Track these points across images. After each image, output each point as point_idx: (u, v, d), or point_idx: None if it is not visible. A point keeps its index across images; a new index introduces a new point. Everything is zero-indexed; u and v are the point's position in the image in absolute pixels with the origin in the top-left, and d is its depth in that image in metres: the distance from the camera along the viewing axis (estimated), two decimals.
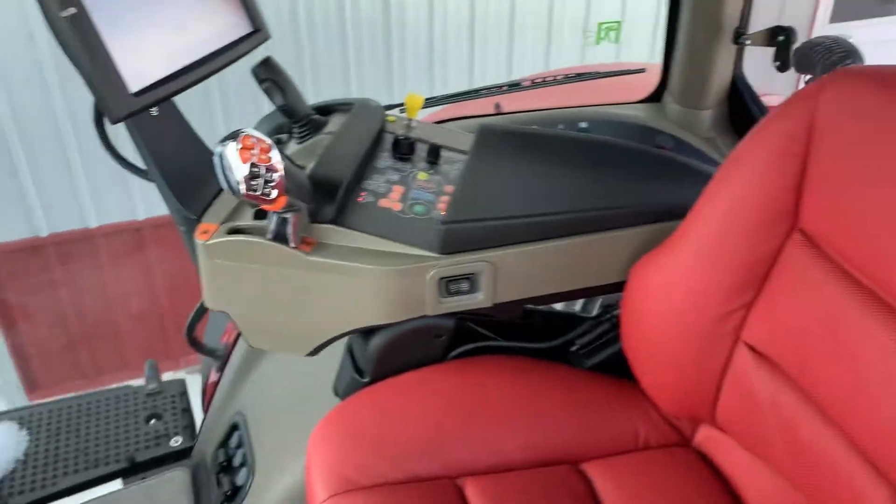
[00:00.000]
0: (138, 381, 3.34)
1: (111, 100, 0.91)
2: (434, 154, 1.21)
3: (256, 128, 1.34)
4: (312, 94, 3.17)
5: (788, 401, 0.95)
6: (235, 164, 0.89)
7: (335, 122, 1.24)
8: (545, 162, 1.18)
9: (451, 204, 1.11)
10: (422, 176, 1.17)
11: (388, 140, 1.23)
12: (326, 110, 1.29)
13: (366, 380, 1.19)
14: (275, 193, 0.91)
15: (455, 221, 1.07)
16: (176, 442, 1.75)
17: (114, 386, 2.04)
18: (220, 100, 3.10)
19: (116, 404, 1.90)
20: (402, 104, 1.72)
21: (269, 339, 1.16)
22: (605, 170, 1.18)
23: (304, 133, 1.22)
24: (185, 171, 1.09)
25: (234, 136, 0.90)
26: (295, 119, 1.21)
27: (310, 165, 1.13)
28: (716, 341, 1.02)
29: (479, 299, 1.11)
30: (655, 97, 1.82)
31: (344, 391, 1.26)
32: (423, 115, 1.78)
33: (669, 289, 1.05)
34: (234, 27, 1.11)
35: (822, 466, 0.91)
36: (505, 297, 1.12)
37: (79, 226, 3.15)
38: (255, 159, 0.89)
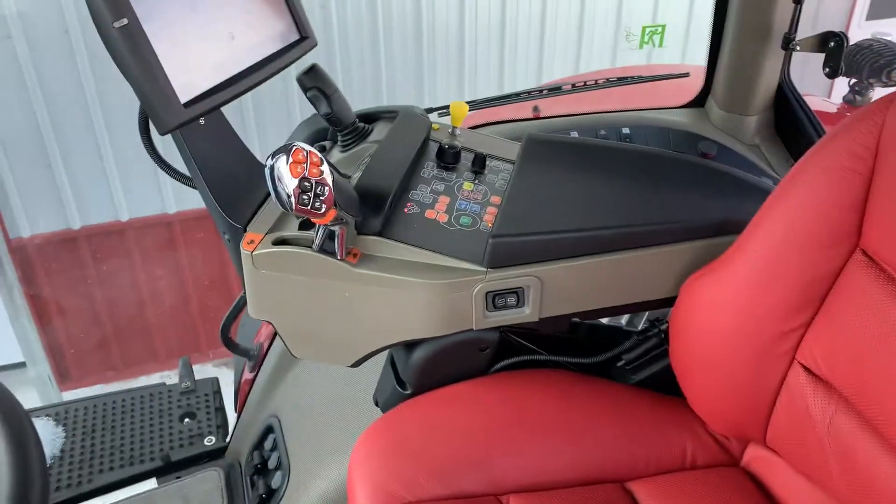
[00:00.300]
0: (169, 374, 3.37)
1: (162, 111, 0.90)
2: (479, 163, 1.19)
3: (296, 132, 1.33)
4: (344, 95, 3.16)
5: (846, 425, 0.92)
6: (287, 178, 0.88)
7: (380, 131, 1.22)
8: (595, 174, 1.15)
9: (499, 217, 1.09)
10: (467, 186, 1.16)
11: (433, 148, 1.21)
12: (371, 118, 1.27)
13: (408, 392, 1.18)
14: (325, 207, 0.90)
15: (503, 235, 1.05)
16: (210, 441, 1.76)
17: (148, 383, 2.05)
18: (252, 101, 3.10)
19: (151, 402, 1.91)
20: (443, 107, 1.70)
21: (313, 350, 1.15)
22: (657, 183, 1.15)
23: (349, 141, 1.20)
24: (230, 180, 1.09)
25: (285, 149, 0.89)
26: (340, 127, 1.20)
27: (355, 175, 1.12)
28: (770, 361, 1.00)
29: (525, 314, 1.09)
30: (698, 102, 1.79)
31: (385, 403, 1.25)
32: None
33: (723, 306, 1.03)
34: (281, 35, 1.10)
35: (880, 494, 0.88)
36: (552, 312, 1.11)
37: (111, 218, 3.17)
38: (305, 173, 0.88)
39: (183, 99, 0.92)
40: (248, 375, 1.84)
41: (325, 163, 0.91)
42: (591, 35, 3.41)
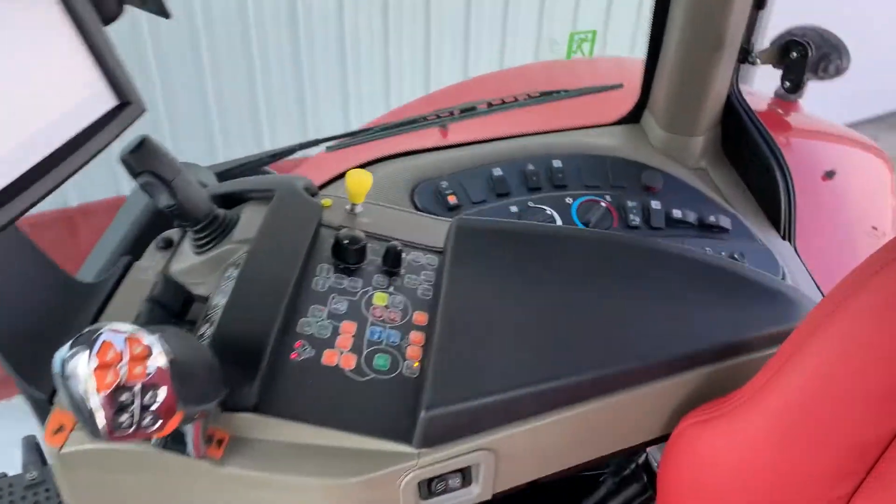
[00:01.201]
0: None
1: None
2: (393, 260, 0.86)
3: (121, 215, 0.96)
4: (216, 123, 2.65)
5: None
6: (89, 393, 0.52)
7: (249, 220, 0.87)
8: (556, 285, 0.84)
9: (433, 369, 0.76)
10: (379, 299, 0.83)
11: (327, 241, 0.87)
12: (234, 199, 0.92)
13: None
14: (160, 421, 0.56)
15: (441, 405, 0.73)
16: None
17: None
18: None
19: None
20: (329, 139, 1.37)
21: None
22: (640, 292, 0.86)
23: (206, 239, 0.85)
24: (28, 325, 0.72)
25: (86, 341, 0.53)
26: (190, 222, 0.84)
27: (216, 301, 0.78)
28: None
29: (474, 494, 0.78)
30: (633, 117, 1.52)
31: None
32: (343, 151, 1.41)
33: (734, 462, 0.77)
34: (85, 105, 0.72)
35: None
36: (509, 484, 0.81)
37: None
38: (122, 380, 0.53)
39: None
40: None
41: (156, 345, 0.56)
42: (479, 41, 3.07)
